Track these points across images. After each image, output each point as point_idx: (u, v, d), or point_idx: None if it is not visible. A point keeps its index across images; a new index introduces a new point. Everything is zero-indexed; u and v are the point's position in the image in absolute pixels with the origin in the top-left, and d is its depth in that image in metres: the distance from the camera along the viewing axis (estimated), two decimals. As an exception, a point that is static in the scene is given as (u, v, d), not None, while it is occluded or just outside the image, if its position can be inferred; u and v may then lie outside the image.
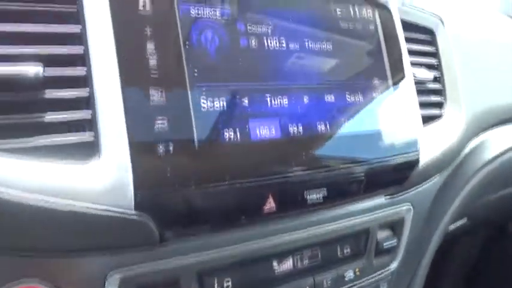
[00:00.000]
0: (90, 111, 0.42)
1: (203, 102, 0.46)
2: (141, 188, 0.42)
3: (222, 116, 0.47)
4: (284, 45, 0.53)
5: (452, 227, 0.95)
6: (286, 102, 0.52)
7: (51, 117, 0.41)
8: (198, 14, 0.48)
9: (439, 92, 0.75)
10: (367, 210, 0.63)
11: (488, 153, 0.89)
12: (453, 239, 1.11)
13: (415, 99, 0.65)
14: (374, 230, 0.64)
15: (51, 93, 0.42)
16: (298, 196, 0.52)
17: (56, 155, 0.41)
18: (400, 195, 0.66)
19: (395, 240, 0.67)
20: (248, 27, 0.50)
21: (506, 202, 1.14)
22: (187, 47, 0.46)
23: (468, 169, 0.84)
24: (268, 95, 0.50)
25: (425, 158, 0.65)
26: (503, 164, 0.93)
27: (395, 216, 0.67)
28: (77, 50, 0.43)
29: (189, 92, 0.45)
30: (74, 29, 0.43)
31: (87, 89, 0.42)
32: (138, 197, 0.41)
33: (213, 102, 0.47)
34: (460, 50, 0.79)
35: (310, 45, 0.55)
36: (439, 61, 0.76)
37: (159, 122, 0.43)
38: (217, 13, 0.49)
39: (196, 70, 0.46)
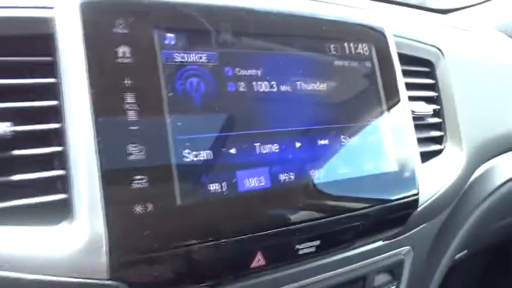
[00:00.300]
0: (63, 170, 0.39)
1: (186, 155, 0.43)
2: (117, 253, 0.39)
3: (207, 169, 0.44)
4: (275, 88, 0.50)
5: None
6: (277, 149, 0.49)
7: (20, 176, 0.38)
8: (183, 60, 0.45)
9: (439, 126, 0.72)
10: (363, 256, 0.60)
11: (491, 184, 0.86)
12: (454, 266, 1.08)
13: (413, 136, 0.62)
14: (371, 276, 0.61)
15: (22, 151, 0.39)
16: (289, 250, 0.49)
17: (24, 216, 0.38)
18: (399, 238, 0.63)
19: (394, 285, 0.64)
20: (236, 71, 0.48)
21: (510, 229, 1.11)
22: (170, 96, 0.43)
23: (470, 203, 0.81)
24: (257, 143, 0.47)
25: (425, 198, 0.62)
26: (506, 194, 0.90)
27: (394, 260, 0.64)
28: (51, 104, 0.40)
29: (170, 146, 0.42)
30: (48, 81, 0.40)
31: (61, 147, 0.39)
32: (113, 262, 0.38)
33: (198, 154, 0.44)
34: (460, 80, 0.76)
35: (302, 87, 0.52)
36: (439, 93, 0.73)
37: (137, 180, 0.40)
38: (204, 58, 0.46)
39: (179, 121, 0.43)
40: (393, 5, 0.98)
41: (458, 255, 0.96)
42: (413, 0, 1.13)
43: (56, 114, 0.40)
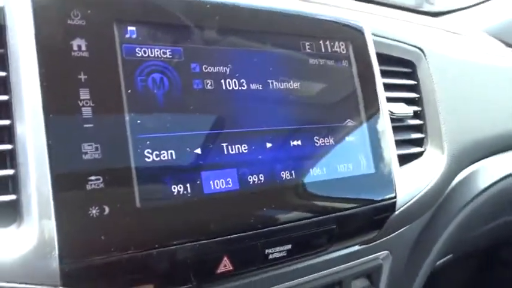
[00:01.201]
0: (13, 170, 0.37)
1: (147, 155, 0.41)
2: (69, 257, 0.36)
3: (169, 170, 0.42)
4: (245, 87, 0.48)
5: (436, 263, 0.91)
6: (246, 150, 0.47)
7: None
8: (145, 55, 0.43)
9: (420, 128, 0.71)
10: (339, 260, 0.58)
11: (475, 188, 0.84)
12: (439, 271, 1.06)
13: (391, 138, 0.60)
14: (348, 281, 0.59)
15: (-33, 149, 0.36)
16: (258, 254, 0.47)
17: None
18: (377, 242, 0.61)
19: (372, 290, 0.62)
20: (203, 68, 0.46)
21: (495, 233, 1.10)
22: (129, 92, 0.41)
23: (452, 207, 0.80)
24: (225, 143, 0.45)
25: (403, 201, 0.60)
26: (490, 198, 0.89)
27: (372, 264, 0.62)
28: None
29: (129, 145, 0.40)
30: (-3, 74, 0.38)
31: (10, 145, 0.37)
32: (65, 268, 0.36)
33: (159, 154, 0.41)
34: (443, 81, 0.74)
35: (274, 86, 0.50)
36: (420, 95, 0.72)
37: (92, 181, 0.38)
38: (168, 53, 0.44)
39: (139, 119, 0.41)
40: (377, 6, 0.97)
41: (442, 260, 0.94)
42: (410, 3, 1.12)
43: (5, 110, 0.38)
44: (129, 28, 0.42)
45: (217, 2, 0.47)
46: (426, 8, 1.17)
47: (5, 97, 0.38)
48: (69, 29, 0.38)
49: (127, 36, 0.42)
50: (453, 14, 1.20)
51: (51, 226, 0.36)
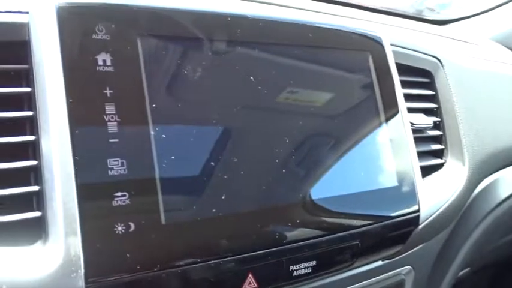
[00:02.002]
0: (38, 186, 0.37)
1: (172, 170, 0.40)
2: (95, 276, 0.36)
3: (194, 186, 0.41)
4: (268, 100, 0.47)
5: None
6: (269, 164, 0.46)
7: (-9, 193, 0.36)
8: (169, 69, 0.42)
9: (439, 139, 0.69)
10: (362, 276, 0.57)
11: (495, 199, 0.83)
12: (459, 283, 1.04)
13: (413, 150, 0.59)
14: (371, 297, 0.58)
15: (-8, 165, 0.36)
16: (283, 271, 0.46)
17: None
18: (399, 257, 0.60)
19: (395, 306, 0.61)
20: (226, 82, 0.45)
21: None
22: (154, 107, 0.40)
23: (472, 218, 0.78)
24: (248, 157, 0.45)
25: (426, 215, 0.59)
26: (511, 208, 0.87)
27: (395, 280, 0.61)
28: (25, 114, 0.37)
29: (155, 160, 0.39)
30: (22, 90, 0.38)
31: (35, 161, 0.37)
32: (90, 287, 0.35)
33: (185, 169, 0.41)
34: (461, 91, 0.74)
35: (294, 98, 0.49)
36: (439, 105, 0.71)
37: (118, 197, 0.37)
38: (191, 66, 0.43)
39: (164, 134, 0.40)
40: (390, 16, 0.96)
41: (460, 273, 0.93)
42: (409, 12, 1.11)
43: (31, 125, 0.38)
44: (153, 42, 0.41)
45: (239, 15, 0.47)
46: (432, 16, 1.16)
47: (29, 113, 0.38)
48: (94, 43, 0.38)
49: (151, 50, 0.41)
50: (460, 22, 1.19)
51: (76, 243, 0.35)
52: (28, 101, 0.38)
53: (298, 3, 0.72)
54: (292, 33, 0.51)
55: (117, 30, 0.39)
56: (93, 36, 0.38)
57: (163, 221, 0.39)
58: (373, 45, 0.58)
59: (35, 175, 0.37)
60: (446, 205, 0.63)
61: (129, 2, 0.41)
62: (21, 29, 0.38)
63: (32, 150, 0.38)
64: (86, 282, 0.35)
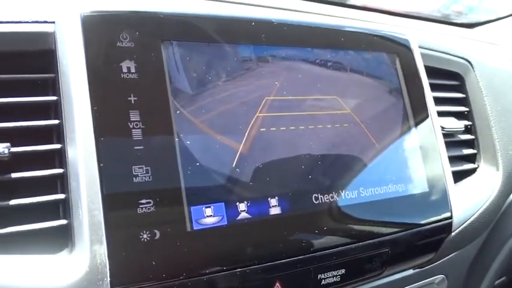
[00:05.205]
0: (64, 194, 0.37)
1: (197, 177, 0.40)
2: (120, 284, 0.35)
3: (219, 192, 0.40)
4: (294, 105, 0.46)
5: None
6: (296, 171, 0.45)
7: (18, 201, 0.36)
8: (193, 75, 0.42)
9: (471, 143, 0.67)
10: (392, 285, 0.55)
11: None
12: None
13: (444, 154, 0.57)
14: (402, 307, 0.56)
15: (20, 174, 0.36)
16: (310, 279, 0.44)
17: (23, 243, 0.36)
18: (432, 266, 0.58)
19: (427, 317, 0.58)
20: (250, 87, 0.44)
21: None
22: (178, 113, 0.40)
23: (508, 225, 0.75)
24: (274, 164, 0.44)
25: (459, 222, 0.57)
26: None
27: (427, 289, 0.59)
28: (51, 123, 0.38)
29: (179, 167, 0.39)
30: (48, 99, 0.38)
31: (62, 170, 0.37)
32: (116, 296, 0.35)
33: (210, 176, 0.40)
34: (492, 94, 0.71)
35: (322, 102, 0.48)
36: (470, 108, 0.69)
37: (143, 204, 0.37)
38: (214, 72, 0.43)
39: (188, 141, 0.40)
40: (417, 20, 0.94)
41: (496, 282, 0.89)
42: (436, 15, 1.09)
43: (57, 134, 0.38)
44: (176, 49, 0.41)
45: (262, 20, 0.47)
46: (459, 19, 1.14)
47: (56, 121, 0.38)
48: (119, 51, 0.38)
49: (175, 56, 0.41)
50: (488, 24, 1.16)
51: (102, 252, 0.35)
52: (54, 110, 0.38)
53: (325, 10, 0.72)
54: (316, 37, 0.50)
55: (141, 37, 0.39)
56: (118, 44, 0.38)
57: (188, 229, 0.38)
58: (400, 47, 0.57)
59: (61, 183, 0.37)
60: (479, 211, 0.60)
61: (153, 9, 0.41)
62: (48, 39, 0.38)
63: (58, 158, 0.38)
64: (112, 291, 0.35)
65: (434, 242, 0.54)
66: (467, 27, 1.12)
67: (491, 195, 0.63)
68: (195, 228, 0.38)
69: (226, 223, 0.40)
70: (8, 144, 0.35)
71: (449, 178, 0.56)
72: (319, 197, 0.45)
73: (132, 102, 0.38)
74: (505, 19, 1.16)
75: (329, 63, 0.50)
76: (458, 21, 1.12)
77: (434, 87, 0.62)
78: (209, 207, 0.40)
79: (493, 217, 0.65)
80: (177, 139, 0.39)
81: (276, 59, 0.47)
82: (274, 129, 0.45)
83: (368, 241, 0.47)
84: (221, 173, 0.41)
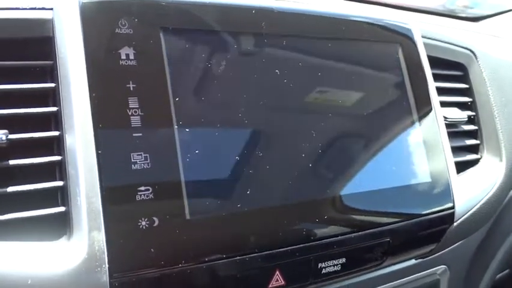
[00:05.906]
0: (62, 181, 0.37)
1: (197, 164, 0.39)
2: (119, 271, 0.35)
3: (219, 180, 0.40)
4: (296, 96, 0.46)
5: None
6: (298, 160, 0.45)
7: (16, 188, 0.36)
8: (191, 62, 0.42)
9: (475, 134, 0.67)
10: (394, 275, 0.55)
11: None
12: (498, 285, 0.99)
13: (447, 144, 0.56)
14: (403, 298, 0.56)
15: (18, 161, 0.36)
16: (311, 268, 0.44)
17: (22, 230, 0.36)
18: (433, 256, 0.57)
19: (429, 308, 0.58)
20: (250, 76, 0.44)
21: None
22: (177, 100, 0.40)
23: (510, 216, 0.75)
24: (276, 153, 0.44)
25: (462, 212, 0.56)
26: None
27: (429, 280, 0.59)
28: (49, 110, 0.37)
29: (178, 154, 0.39)
30: (47, 86, 0.38)
31: (60, 157, 0.37)
32: (114, 282, 0.35)
33: (209, 164, 0.40)
34: (496, 84, 0.70)
35: (324, 92, 0.48)
36: (473, 99, 0.68)
37: (141, 191, 0.36)
38: (214, 60, 0.43)
39: (188, 128, 0.40)
40: (421, 13, 0.94)
41: (499, 275, 0.89)
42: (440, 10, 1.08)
43: (55, 121, 0.38)
44: (176, 36, 0.41)
45: (263, 8, 0.46)
46: (464, 13, 1.13)
47: (54, 108, 0.38)
48: (117, 38, 0.38)
49: (174, 43, 0.41)
50: (493, 18, 1.15)
51: (100, 239, 0.35)
52: (53, 97, 0.38)
53: (328, 2, 0.71)
54: (317, 26, 0.50)
55: (140, 24, 0.39)
56: (116, 30, 0.38)
57: (187, 216, 0.38)
58: (403, 37, 0.56)
59: (59, 170, 0.37)
60: (482, 202, 0.60)
61: (152, -5, 0.41)
62: (46, 25, 0.38)
63: (56, 145, 0.38)
64: (111, 277, 0.35)
65: (436, 232, 0.54)
66: (472, 21, 1.11)
67: (494, 185, 0.63)
68: (192, 215, 0.38)
69: (225, 211, 0.39)
70: (6, 131, 0.35)
71: (452, 168, 0.55)
72: (321, 186, 0.45)
73: (131, 89, 0.38)
74: (509, 12, 1.15)
75: (331, 53, 0.50)
76: (463, 15, 1.11)
77: (437, 78, 0.61)
78: (207, 194, 0.40)
79: (496, 207, 0.65)
80: (176, 126, 0.39)
81: (276, 48, 0.46)
82: (276, 117, 0.44)
83: (369, 230, 0.47)
84: (221, 160, 0.41)
